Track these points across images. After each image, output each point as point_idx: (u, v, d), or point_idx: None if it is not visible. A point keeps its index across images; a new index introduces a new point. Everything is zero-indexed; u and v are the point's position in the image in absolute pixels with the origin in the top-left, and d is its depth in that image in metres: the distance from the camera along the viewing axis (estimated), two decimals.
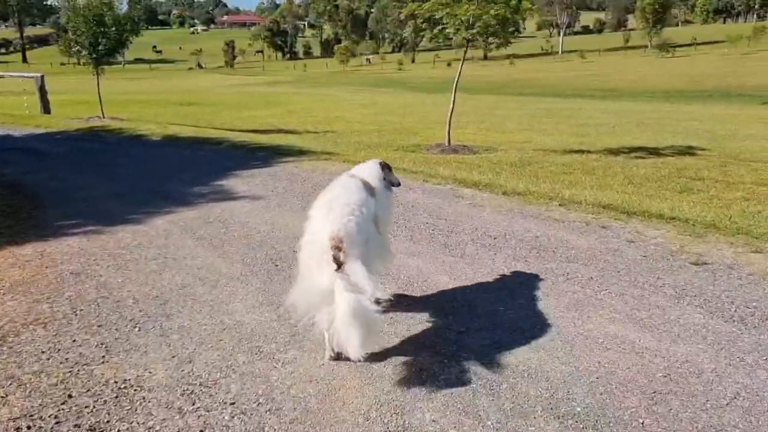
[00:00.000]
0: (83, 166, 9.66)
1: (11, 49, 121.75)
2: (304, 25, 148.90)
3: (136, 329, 3.61)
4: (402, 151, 12.19)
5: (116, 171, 9.13)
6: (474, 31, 10.75)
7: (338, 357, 3.15)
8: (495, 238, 5.26)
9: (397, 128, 17.65)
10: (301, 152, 9.96)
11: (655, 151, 12.09)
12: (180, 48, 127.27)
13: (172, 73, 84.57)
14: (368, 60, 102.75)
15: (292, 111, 24.22)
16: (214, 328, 3.60)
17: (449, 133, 12.51)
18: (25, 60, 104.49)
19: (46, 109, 16.68)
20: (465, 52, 12.31)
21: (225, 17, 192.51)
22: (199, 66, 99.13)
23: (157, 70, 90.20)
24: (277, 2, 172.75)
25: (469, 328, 3.54)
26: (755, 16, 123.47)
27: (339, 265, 2.91)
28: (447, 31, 10.95)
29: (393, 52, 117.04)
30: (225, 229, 5.68)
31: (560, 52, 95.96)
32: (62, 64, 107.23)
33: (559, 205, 6.36)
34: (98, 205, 6.85)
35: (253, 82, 59.20)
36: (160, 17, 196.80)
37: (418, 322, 3.64)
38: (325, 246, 2.96)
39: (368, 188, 3.48)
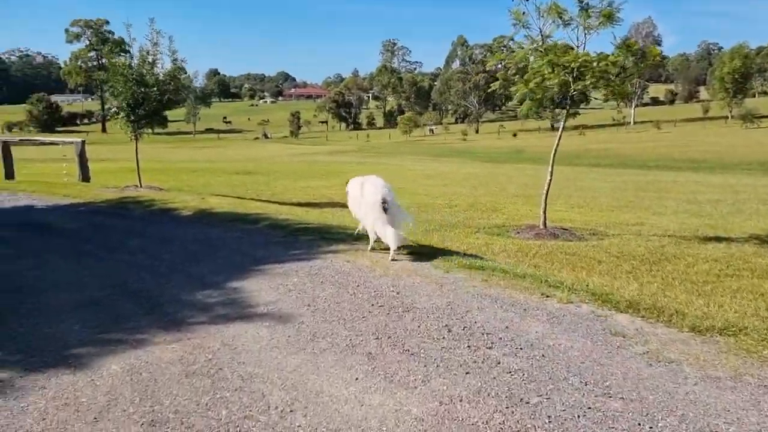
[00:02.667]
0: (84, 249, 7.59)
1: (93, 119, 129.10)
2: (368, 96, 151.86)
3: None
4: (486, 233, 9.61)
5: (116, 258, 6.97)
6: (586, 82, 8.22)
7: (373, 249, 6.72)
8: None
9: (470, 203, 15.13)
10: (356, 237, 7.55)
11: None
12: (248, 119, 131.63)
13: (239, 142, 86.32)
14: (431, 130, 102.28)
15: None
16: None
17: (545, 212, 9.85)
18: (104, 129, 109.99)
19: (84, 176, 15.23)
20: (567, 112, 9.74)
21: (292, 90, 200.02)
22: (265, 136, 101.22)
23: (224, 140, 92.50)
24: (343, 76, 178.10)
25: None
26: None
27: (385, 211, 6.36)
28: (548, 83, 8.44)
29: (456, 122, 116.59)
30: (208, 398, 3.19)
31: (632, 123, 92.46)
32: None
33: None
34: (50, 322, 4.56)
35: (315, 151, 58.82)
36: (233, 90, 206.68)
37: None
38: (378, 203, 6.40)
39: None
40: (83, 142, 15.19)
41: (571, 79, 8.34)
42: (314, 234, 7.96)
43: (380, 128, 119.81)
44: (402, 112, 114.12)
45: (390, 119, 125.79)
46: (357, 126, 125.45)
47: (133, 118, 12.96)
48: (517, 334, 4.01)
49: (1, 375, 3.57)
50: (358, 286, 5.36)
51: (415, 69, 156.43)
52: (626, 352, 3.65)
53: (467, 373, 3.43)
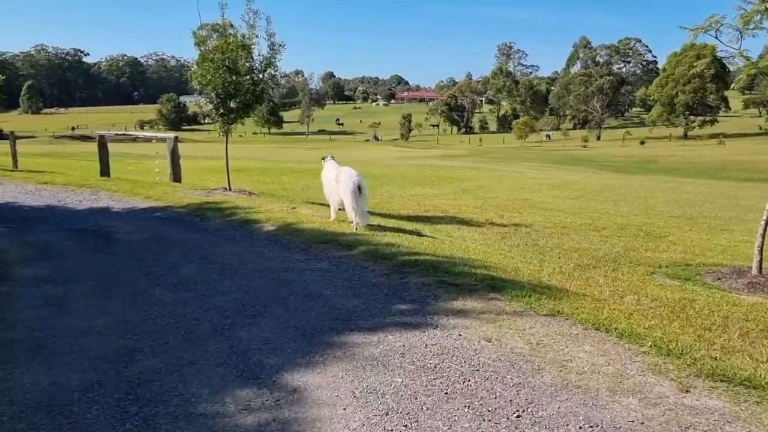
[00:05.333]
0: (124, 277, 5.72)
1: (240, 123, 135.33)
2: (482, 100, 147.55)
3: None
4: (668, 276, 6.69)
5: (152, 299, 4.95)
6: None
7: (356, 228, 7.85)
8: None
9: (620, 224, 12.02)
10: (491, 282, 5.04)
11: None
12: (360, 121, 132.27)
13: (349, 143, 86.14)
14: (548, 136, 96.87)
15: (466, 190, 19.49)
16: None
17: (761, 251, 6.73)
18: None
19: (176, 176, 13.85)
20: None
21: (405, 93, 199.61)
22: (375, 138, 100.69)
23: (336, 141, 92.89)
24: (456, 80, 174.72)
25: None
26: None
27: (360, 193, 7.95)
28: None
29: (574, 128, 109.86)
30: None
31: None
32: (254, 133, 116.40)
33: None
34: None
35: (425, 154, 56.58)
36: (346, 93, 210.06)
37: None
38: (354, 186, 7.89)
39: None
40: (176, 139, 13.79)
41: None
42: (429, 273, 5.50)
43: (493, 132, 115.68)
44: (516, 117, 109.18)
45: (504, 123, 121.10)
46: (469, 130, 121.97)
47: (222, 111, 11.20)
48: None
49: None
50: (517, 414, 2.82)
51: (531, 73, 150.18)
52: None
53: None
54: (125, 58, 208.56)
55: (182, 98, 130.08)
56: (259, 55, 11.34)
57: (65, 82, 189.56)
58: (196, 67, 11.22)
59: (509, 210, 13.94)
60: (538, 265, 6.77)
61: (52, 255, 6.88)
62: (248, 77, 11.09)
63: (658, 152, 64.11)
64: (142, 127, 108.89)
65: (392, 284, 5.19)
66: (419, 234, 8.54)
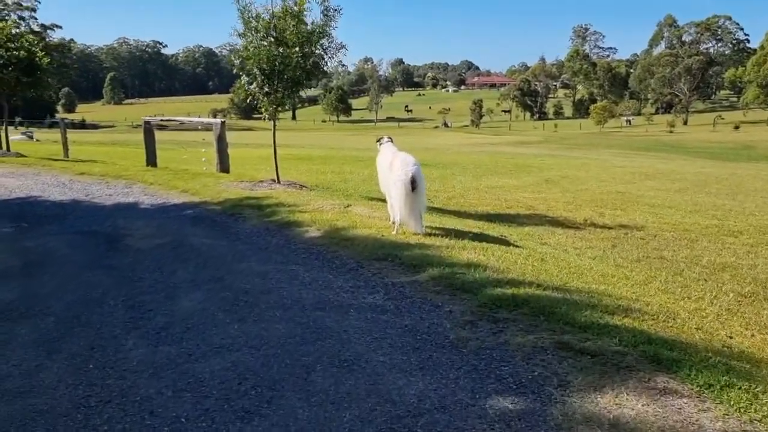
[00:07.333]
0: (103, 307, 4.17)
1: (286, 108, 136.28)
2: (556, 85, 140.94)
3: None
4: None
5: (119, 355, 3.32)
6: None
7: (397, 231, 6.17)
8: None
9: (758, 225, 9.53)
10: (646, 348, 3.01)
11: None
12: (429, 107, 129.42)
13: (417, 130, 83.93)
14: (628, 121, 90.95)
15: (550, 180, 17.07)
16: None
17: None
18: (294, 117, 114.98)
19: (223, 166, 12.35)
20: None
21: (475, 79, 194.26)
22: (445, 125, 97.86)
23: (404, 128, 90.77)
24: (528, 64, 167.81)
25: None
26: None
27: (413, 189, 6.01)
28: None
29: (657, 113, 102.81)
30: None
31: None
32: (323, 121, 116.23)
33: None
34: None
35: (497, 141, 53.72)
36: (416, 79, 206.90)
37: None
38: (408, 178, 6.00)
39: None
40: (222, 124, 12.26)
41: None
42: (539, 323, 3.51)
43: (568, 118, 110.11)
44: (594, 101, 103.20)
45: (580, 109, 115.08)
46: (542, 116, 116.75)
47: (267, 89, 9.49)
48: None
49: None
50: None
51: (608, 56, 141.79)
52: None
53: None
54: (201, 49, 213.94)
55: None
56: (311, 23, 9.54)
57: (145, 73, 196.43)
58: (237, 37, 9.55)
59: (608, 206, 11.60)
60: (687, 299, 4.63)
61: (37, 269, 5.37)
62: (297, 49, 9.30)
63: (755, 137, 58.28)
64: (215, 116, 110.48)
65: (482, 347, 3.24)
66: (507, 243, 6.51)
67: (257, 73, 9.42)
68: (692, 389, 2.64)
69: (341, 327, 3.62)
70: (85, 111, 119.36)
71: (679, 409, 2.46)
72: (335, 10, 9.46)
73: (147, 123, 13.86)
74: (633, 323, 3.51)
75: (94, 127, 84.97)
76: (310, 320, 3.78)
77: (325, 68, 10.34)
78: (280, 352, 3.26)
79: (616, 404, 2.52)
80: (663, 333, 3.40)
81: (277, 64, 9.38)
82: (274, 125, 10.53)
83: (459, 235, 6.33)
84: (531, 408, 2.53)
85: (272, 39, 9.37)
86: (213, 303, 4.22)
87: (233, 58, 9.85)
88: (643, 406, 2.49)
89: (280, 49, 9.34)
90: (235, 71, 9.97)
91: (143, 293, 4.52)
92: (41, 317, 4.01)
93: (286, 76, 9.48)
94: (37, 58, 15.70)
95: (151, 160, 13.89)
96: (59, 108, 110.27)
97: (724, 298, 4.91)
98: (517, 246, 6.34)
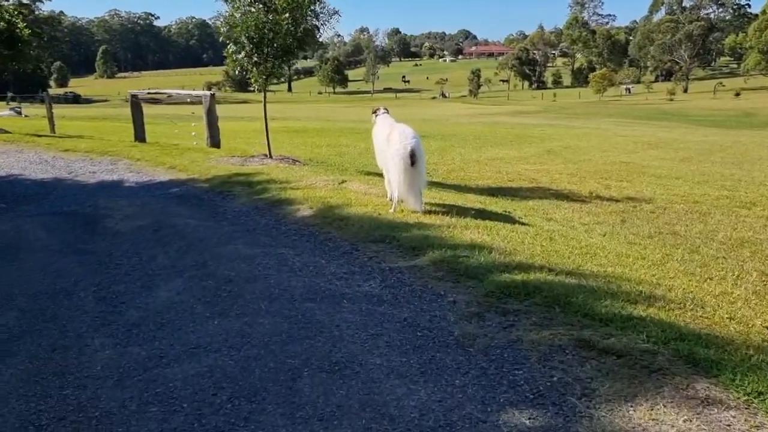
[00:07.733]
0: (72, 298, 3.79)
1: (282, 80, 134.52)
2: (554, 54, 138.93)
3: None
4: None
5: (82, 358, 2.96)
6: None
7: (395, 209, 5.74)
8: None
9: None
10: (678, 345, 2.64)
11: None
12: (427, 78, 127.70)
13: (415, 101, 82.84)
14: (628, 90, 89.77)
15: (552, 151, 16.61)
16: None
17: None
18: (290, 89, 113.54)
19: (213, 141, 11.87)
20: None
21: (473, 48, 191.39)
22: (443, 95, 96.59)
23: (402, 99, 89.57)
24: (526, 33, 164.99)
25: None
26: None
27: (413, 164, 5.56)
28: None
29: (656, 80, 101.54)
30: None
31: None
32: (319, 93, 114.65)
33: None
34: None
35: (496, 111, 52.94)
36: (412, 49, 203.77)
37: None
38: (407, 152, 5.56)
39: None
40: (212, 96, 11.74)
41: None
42: (553, 315, 3.13)
43: (567, 87, 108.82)
44: (593, 70, 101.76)
45: (579, 77, 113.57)
46: (541, 85, 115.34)
47: (256, 59, 8.96)
48: None
49: None
50: None
51: (607, 23, 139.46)
52: None
53: None
54: (194, 20, 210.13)
55: None
56: None
57: (138, 46, 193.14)
58: (224, 2, 8.99)
59: (613, 178, 11.19)
60: (709, 281, 4.26)
61: (6, 255, 4.98)
62: (288, 15, 8.75)
63: (757, 104, 57.56)
64: (209, 89, 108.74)
65: (492, 345, 2.86)
66: (512, 220, 6.11)
67: (245, 41, 8.89)
68: (739, 398, 2.27)
69: (333, 321, 3.24)
70: (77, 85, 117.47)
71: (728, 425, 2.09)
72: None
73: (134, 97, 13.33)
74: (659, 314, 3.14)
75: (88, 101, 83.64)
76: (299, 313, 3.40)
77: (320, 38, 9.79)
78: (263, 353, 2.89)
79: (653, 419, 2.15)
80: (694, 325, 3.03)
81: (266, 31, 8.84)
82: (265, 97, 10.03)
83: (461, 212, 5.92)
84: (552, 425, 2.16)
85: (261, 5, 8.83)
86: (193, 293, 3.84)
87: (220, 26, 9.29)
88: (684, 421, 2.12)
89: (270, 16, 8.80)
90: (221, 39, 9.43)
91: (117, 282, 4.14)
92: (2, 312, 3.63)
93: (275, 45, 8.96)
94: (17, 30, 15.05)
95: (140, 136, 13.40)
96: (51, 83, 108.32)
97: (747, 278, 4.54)
98: (523, 224, 5.94)
